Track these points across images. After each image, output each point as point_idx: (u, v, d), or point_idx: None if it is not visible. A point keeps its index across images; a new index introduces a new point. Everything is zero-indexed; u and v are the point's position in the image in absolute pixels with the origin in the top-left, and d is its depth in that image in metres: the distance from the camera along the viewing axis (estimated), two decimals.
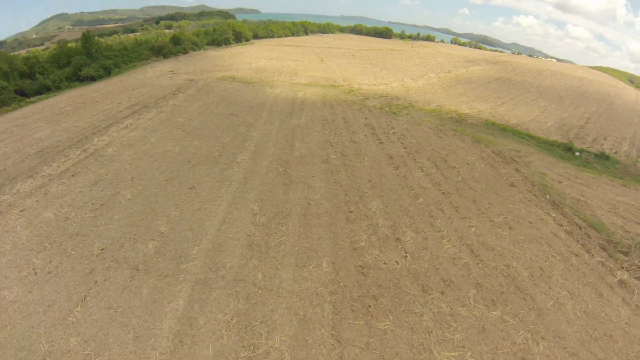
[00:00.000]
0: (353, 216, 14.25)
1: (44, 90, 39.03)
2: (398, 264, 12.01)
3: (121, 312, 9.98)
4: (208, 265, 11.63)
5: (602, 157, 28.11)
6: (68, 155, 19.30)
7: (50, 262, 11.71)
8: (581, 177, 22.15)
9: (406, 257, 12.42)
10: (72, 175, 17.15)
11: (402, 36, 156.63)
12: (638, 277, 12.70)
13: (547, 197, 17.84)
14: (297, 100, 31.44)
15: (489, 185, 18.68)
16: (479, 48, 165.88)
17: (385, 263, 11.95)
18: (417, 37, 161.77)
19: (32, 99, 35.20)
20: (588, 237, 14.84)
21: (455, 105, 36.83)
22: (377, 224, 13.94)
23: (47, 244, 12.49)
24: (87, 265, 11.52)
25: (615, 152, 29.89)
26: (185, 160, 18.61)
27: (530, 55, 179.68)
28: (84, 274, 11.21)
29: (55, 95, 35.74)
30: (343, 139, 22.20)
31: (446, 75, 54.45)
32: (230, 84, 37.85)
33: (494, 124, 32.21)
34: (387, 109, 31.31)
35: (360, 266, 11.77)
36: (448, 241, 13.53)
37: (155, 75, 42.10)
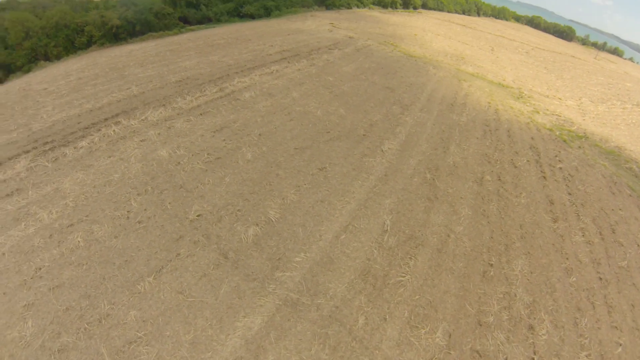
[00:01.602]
0: (491, 273, 12.13)
1: (206, 21, 41.74)
2: None
3: (190, 303, 8.93)
4: (307, 283, 9.99)
5: None
6: (204, 91, 19.15)
7: (145, 209, 11.36)
8: None
9: (533, 359, 10.21)
10: (201, 114, 16.85)
11: (584, 41, 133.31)
12: None
13: None
14: (460, 92, 28.34)
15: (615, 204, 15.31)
16: None
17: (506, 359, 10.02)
18: (602, 47, 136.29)
19: (192, 27, 37.56)
20: None
21: (639, 154, 30.25)
22: (515, 296, 11.72)
23: (150, 188, 12.16)
24: (178, 229, 10.73)
25: None
26: (324, 130, 17.16)
27: None
28: (170, 238, 10.47)
29: (214, 27, 37.37)
30: (503, 158, 19.37)
31: (634, 107, 44.85)
32: (391, 51, 35.57)
33: None
34: (558, 133, 26.74)
35: (477, 352, 9.83)
36: (587, 356, 10.70)
37: (314, 24, 41.41)
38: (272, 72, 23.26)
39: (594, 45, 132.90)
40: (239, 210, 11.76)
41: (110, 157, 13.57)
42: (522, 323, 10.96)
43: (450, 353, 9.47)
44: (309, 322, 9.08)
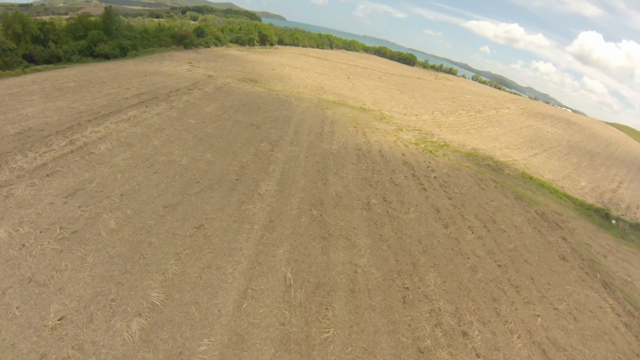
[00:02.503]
0: (410, 296, 11.09)
1: (55, 60, 36.12)
2: None
3: None
4: None
5: (638, 228, 26.72)
6: (51, 145, 15.34)
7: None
8: (622, 251, 20.62)
9: None
10: (48, 175, 13.22)
11: (425, 65, 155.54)
12: None
13: (598, 276, 16.20)
14: (326, 120, 28.64)
15: (542, 258, 16.43)
16: (499, 88, 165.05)
17: None
18: (439, 69, 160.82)
19: (38, 67, 31.97)
20: None
21: (490, 151, 34.36)
22: (440, 310, 10.91)
23: None
24: (36, 345, 7.50)
25: None
26: (193, 180, 14.87)
27: (547, 102, 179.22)
28: None
29: (63, 67, 32.65)
30: (383, 178, 19.35)
31: (477, 114, 52.16)
32: (252, 87, 35.10)
33: (531, 178, 30.00)
34: (423, 146, 28.64)
35: None
36: (518, 338, 10.91)
37: (172, 64, 39.30)
38: (129, 119, 20.11)
39: (433, 67, 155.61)
40: (112, 300, 8.66)
41: None
42: (456, 333, 10.29)
43: None
44: None
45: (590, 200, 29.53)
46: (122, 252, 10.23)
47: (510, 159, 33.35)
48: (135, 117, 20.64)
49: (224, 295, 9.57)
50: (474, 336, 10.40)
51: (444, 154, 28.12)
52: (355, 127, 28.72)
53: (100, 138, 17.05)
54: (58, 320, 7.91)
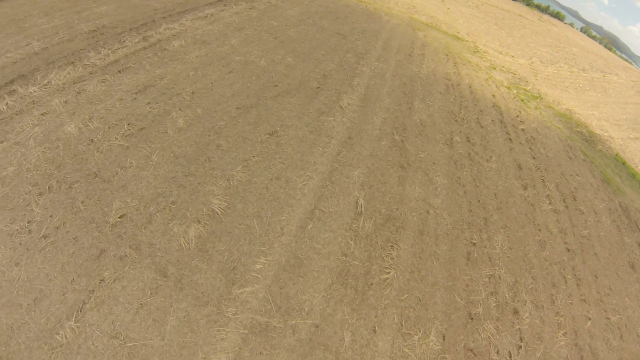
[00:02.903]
0: (475, 254, 10.25)
1: None
2: (510, 356, 8.52)
3: (131, 350, 6.15)
4: (275, 298, 7.31)
5: None
6: (124, 42, 14.42)
7: (51, 216, 7.79)
8: None
9: (520, 347, 8.84)
10: (120, 72, 12.46)
11: (528, 2, 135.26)
12: None
13: None
14: (417, 42, 25.59)
15: (611, 257, 14.78)
16: (609, 49, 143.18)
17: (497, 353, 8.41)
18: (545, 10, 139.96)
19: None
20: None
21: (586, 118, 30.36)
22: (499, 277, 10.10)
23: (55, 182, 8.34)
24: (97, 240, 7.38)
25: None
26: (270, 82, 13.50)
27: None
28: (89, 256, 7.20)
29: None
30: (469, 116, 17.36)
31: (580, 72, 45.60)
32: None
33: (624, 163, 26.50)
34: (515, 92, 25.48)
35: (470, 350, 8.10)
36: (564, 335, 9.97)
37: None
38: (206, 17, 18.56)
39: (538, 7, 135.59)
40: (173, 202, 8.34)
41: (1, 142, 9.27)
42: (508, 308, 9.54)
43: (445, 357, 7.67)
44: (286, 352, 6.58)
45: None
46: (187, 153, 9.69)
47: (606, 134, 29.44)
48: (213, 15, 18.87)
49: (289, 212, 8.95)
50: (524, 317, 9.61)
51: (536, 107, 25.01)
52: (447, 55, 25.65)
53: (174, 35, 15.79)
54: (119, 217, 7.79)
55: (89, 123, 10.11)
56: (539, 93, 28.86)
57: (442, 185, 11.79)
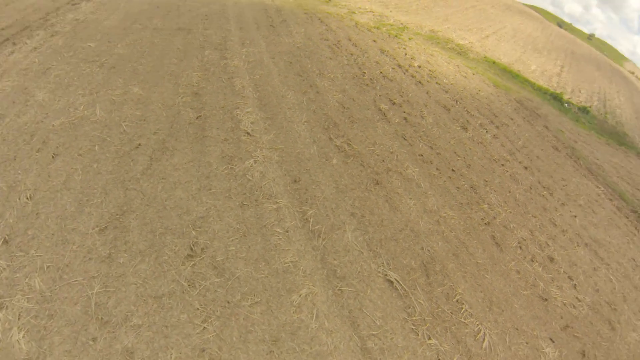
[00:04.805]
0: (496, 234, 8.45)
1: None
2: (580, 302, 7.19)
3: None
4: None
5: (584, 111, 28.11)
6: None
7: None
8: (582, 134, 20.75)
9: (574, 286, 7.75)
10: None
11: None
12: None
13: (582, 163, 15.96)
14: (269, 9, 22.07)
15: (544, 152, 15.19)
16: None
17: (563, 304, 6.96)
18: None
19: None
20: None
21: (446, 32, 31.36)
22: (524, 240, 8.76)
23: None
24: None
25: (590, 106, 30.37)
26: (127, 145, 7.54)
27: None
28: None
29: None
30: (372, 74, 15.14)
31: None
32: None
33: (494, 62, 28.31)
34: (385, 30, 24.34)
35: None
36: (577, 245, 9.74)
37: None
38: None
39: None
40: None
41: None
42: (547, 262, 8.30)
43: None
44: None
45: (543, 84, 29.63)
46: None
47: (467, 42, 30.86)
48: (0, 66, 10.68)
49: None
50: (559, 260, 8.63)
51: (409, 38, 24.37)
52: (306, 13, 23.03)
53: None
54: None
55: None
56: (402, 24, 28.43)
57: (418, 177, 9.18)
